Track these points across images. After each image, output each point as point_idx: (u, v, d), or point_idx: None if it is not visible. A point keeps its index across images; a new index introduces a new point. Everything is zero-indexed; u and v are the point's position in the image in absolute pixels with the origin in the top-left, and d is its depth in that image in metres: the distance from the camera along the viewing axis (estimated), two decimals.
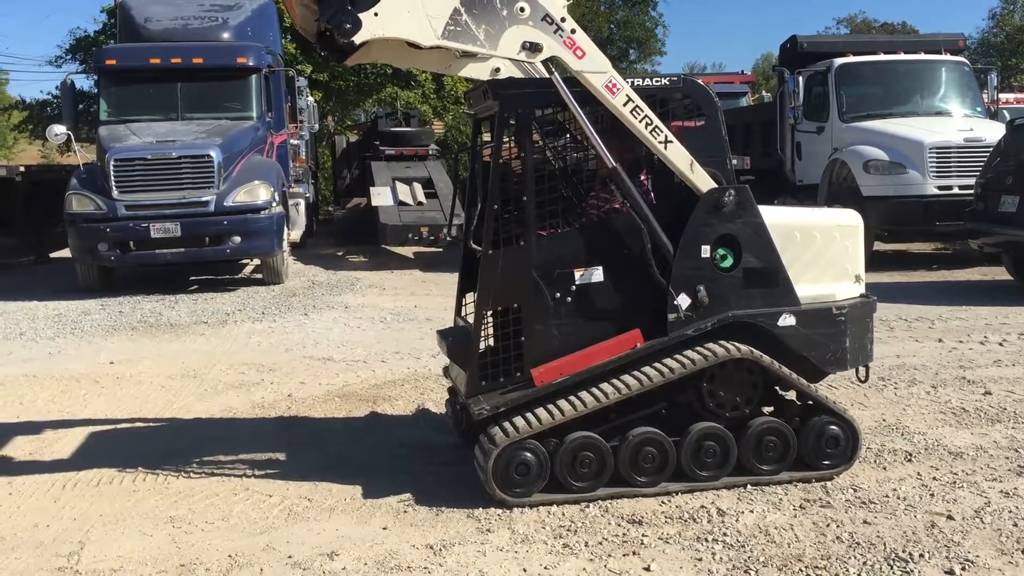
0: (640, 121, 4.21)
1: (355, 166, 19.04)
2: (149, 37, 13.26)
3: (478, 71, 4.32)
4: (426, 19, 3.98)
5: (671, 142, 4.25)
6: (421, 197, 15.58)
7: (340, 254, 15.66)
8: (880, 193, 11.51)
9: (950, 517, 4.00)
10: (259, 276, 12.31)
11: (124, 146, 11.23)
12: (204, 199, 11.08)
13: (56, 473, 4.89)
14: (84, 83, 22.66)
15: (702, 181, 4.32)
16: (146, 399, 6.39)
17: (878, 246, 12.10)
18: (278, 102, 13.18)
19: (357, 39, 3.92)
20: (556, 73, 4.13)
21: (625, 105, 4.19)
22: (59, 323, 9.43)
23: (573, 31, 4.10)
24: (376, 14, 3.91)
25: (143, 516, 4.25)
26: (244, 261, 13.15)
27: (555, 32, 4.08)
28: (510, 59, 4.18)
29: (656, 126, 4.23)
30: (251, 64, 12.32)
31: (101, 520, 4.22)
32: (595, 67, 4.16)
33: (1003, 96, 17.20)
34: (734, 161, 4.75)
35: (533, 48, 4.07)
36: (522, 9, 4.04)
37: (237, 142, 11.64)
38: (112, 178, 10.91)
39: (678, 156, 4.29)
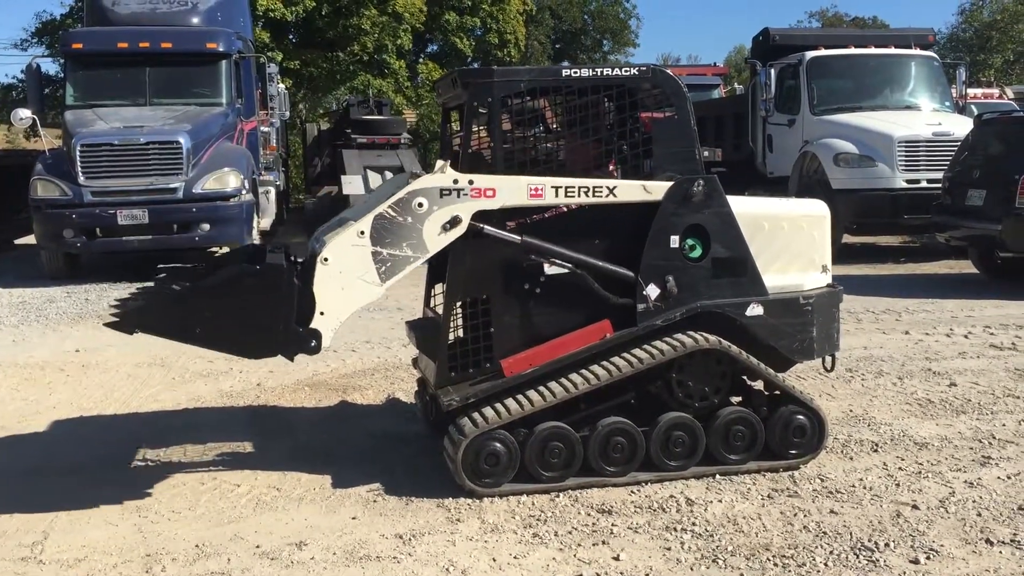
0: (579, 196, 4.21)
1: (326, 154, 18.87)
2: (117, 21, 13.07)
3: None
4: (359, 282, 4.03)
5: (615, 188, 4.26)
6: None
7: None
8: (849, 186, 11.62)
9: (915, 507, 4.04)
10: None
11: (91, 131, 11.07)
12: (172, 186, 10.95)
13: (20, 462, 4.83)
14: (50, 67, 22.30)
15: (660, 191, 4.32)
16: (112, 388, 6.32)
17: (846, 239, 12.20)
18: (248, 88, 13.04)
19: (326, 343, 4.01)
20: (486, 227, 4.12)
21: (557, 195, 4.19)
22: (23, 310, 9.30)
23: (471, 182, 4.08)
24: (322, 313, 3.99)
25: (108, 506, 4.20)
26: (213, 249, 13.01)
27: (459, 196, 4.08)
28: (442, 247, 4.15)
29: (594, 187, 4.22)
30: (221, 49, 12.17)
31: (66, 509, 4.16)
32: (510, 191, 4.14)
33: (971, 91, 17.40)
34: (705, 153, 4.76)
35: (453, 223, 4.07)
36: (420, 204, 4.05)
37: (206, 128, 11.51)
38: (78, 163, 10.76)
39: (629, 192, 4.29)
